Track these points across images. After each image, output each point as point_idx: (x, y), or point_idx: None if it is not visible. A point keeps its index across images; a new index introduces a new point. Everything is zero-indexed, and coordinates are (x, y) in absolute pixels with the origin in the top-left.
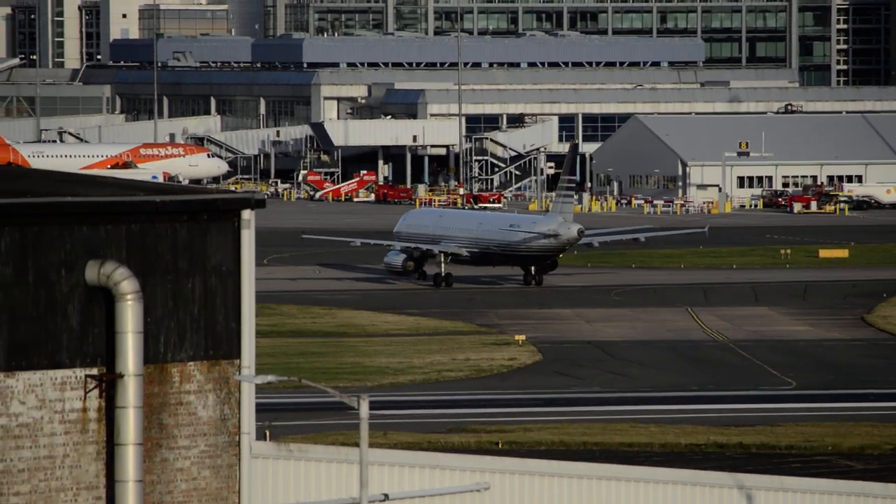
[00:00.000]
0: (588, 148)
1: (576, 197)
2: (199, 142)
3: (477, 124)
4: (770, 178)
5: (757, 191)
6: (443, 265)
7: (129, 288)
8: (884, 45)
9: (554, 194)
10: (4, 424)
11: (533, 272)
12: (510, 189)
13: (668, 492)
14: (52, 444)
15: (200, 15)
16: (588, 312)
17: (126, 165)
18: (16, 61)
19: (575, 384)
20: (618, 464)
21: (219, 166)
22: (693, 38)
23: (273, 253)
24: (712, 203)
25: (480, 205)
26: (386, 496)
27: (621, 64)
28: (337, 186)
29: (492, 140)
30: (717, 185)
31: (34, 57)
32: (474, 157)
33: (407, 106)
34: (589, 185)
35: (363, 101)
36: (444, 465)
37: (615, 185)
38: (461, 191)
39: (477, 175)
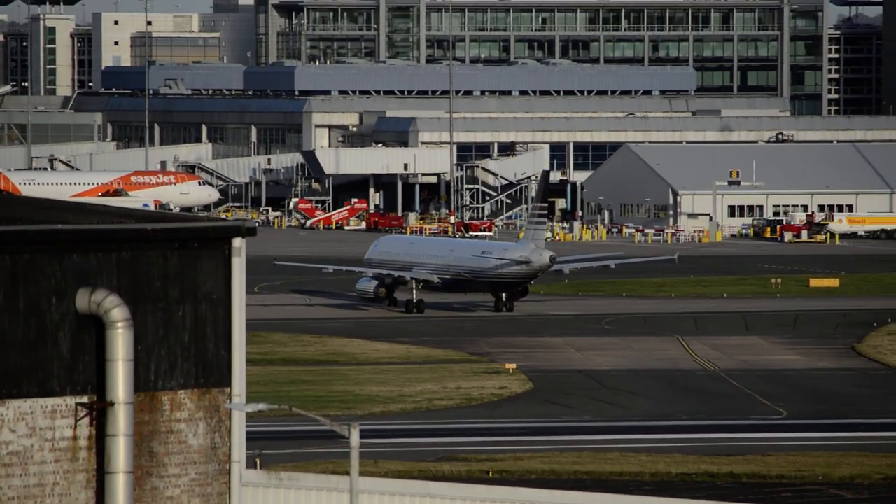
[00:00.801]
0: (579, 176)
1: (548, 224)
2: (191, 169)
3: (468, 152)
4: (761, 207)
5: (748, 220)
6: (414, 292)
7: (120, 316)
8: (875, 75)
9: (525, 221)
10: None
11: (504, 298)
12: (501, 217)
13: None
14: (43, 472)
15: (192, 42)
16: (578, 341)
17: (117, 193)
18: (7, 88)
19: (565, 413)
20: (609, 493)
21: (210, 194)
22: (684, 67)
23: (263, 281)
24: (703, 232)
25: (471, 233)
26: None
27: (613, 92)
28: (328, 214)
29: (483, 168)
30: (708, 214)
31: (26, 84)
32: (465, 186)
33: (398, 134)
34: (580, 213)
35: (354, 128)
36: (434, 493)
37: (606, 213)
38: (452, 219)
39: (468, 203)
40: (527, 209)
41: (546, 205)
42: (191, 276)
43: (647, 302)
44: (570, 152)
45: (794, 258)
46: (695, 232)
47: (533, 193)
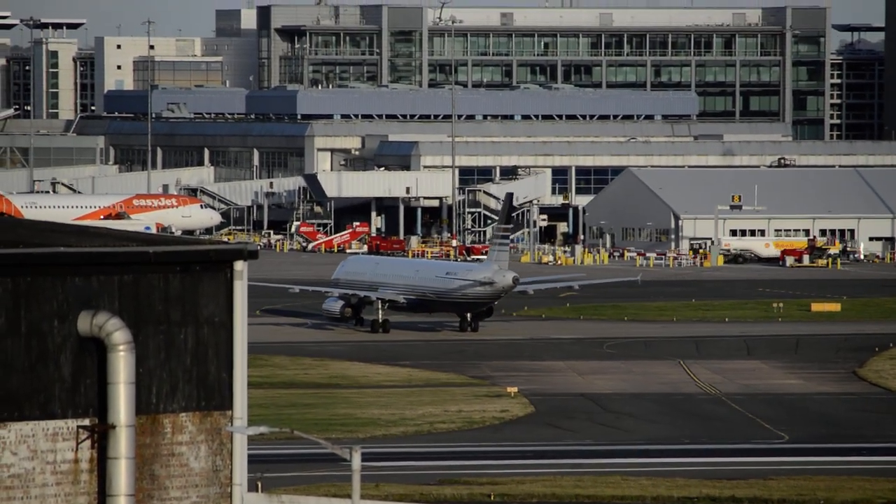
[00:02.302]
0: (581, 200)
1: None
2: (193, 193)
3: (470, 176)
4: (763, 231)
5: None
6: (380, 312)
7: (122, 339)
8: (877, 100)
9: (489, 242)
10: None
11: (468, 319)
12: None
13: None
14: (44, 494)
15: (195, 66)
16: (580, 365)
17: (119, 216)
18: (10, 112)
19: (567, 436)
20: None
21: (212, 217)
22: (687, 92)
23: (266, 304)
24: (705, 256)
25: (473, 256)
26: None
27: (615, 117)
28: (330, 238)
29: (485, 192)
30: (710, 239)
31: (28, 108)
32: (467, 209)
33: (400, 158)
34: (581, 237)
35: (357, 152)
36: None
37: (608, 237)
38: (454, 243)
39: (470, 227)
40: (528, 233)
41: (510, 226)
42: (192, 299)
43: (648, 326)
44: (572, 176)
45: (795, 282)
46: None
47: (535, 217)
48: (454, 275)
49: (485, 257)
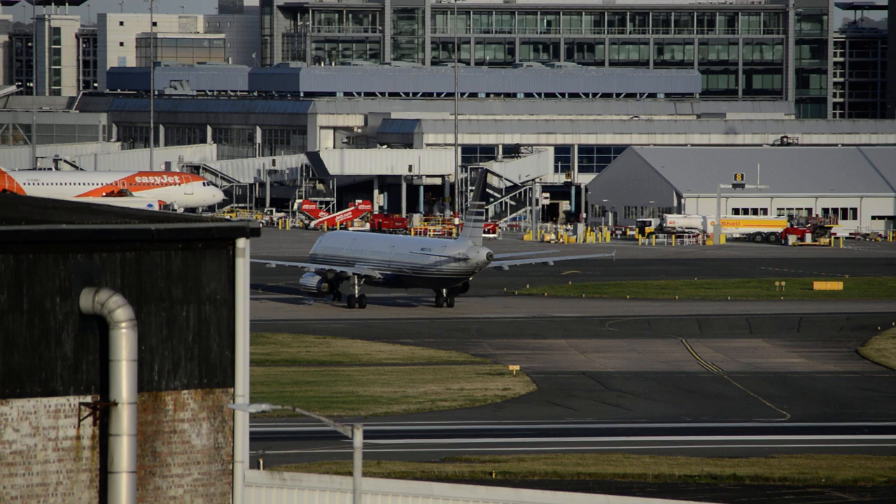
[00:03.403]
0: (583, 179)
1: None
2: (195, 170)
3: (473, 154)
4: (765, 210)
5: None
6: (356, 287)
7: (124, 316)
8: (880, 79)
9: (464, 218)
10: None
11: (444, 294)
12: (505, 219)
13: None
14: (46, 471)
15: (198, 44)
16: (582, 343)
17: (121, 193)
18: (13, 89)
19: (569, 414)
20: (611, 494)
21: (214, 195)
22: (690, 70)
23: (268, 281)
24: (707, 234)
25: None
26: None
27: (618, 95)
28: (332, 215)
29: (487, 170)
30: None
31: (31, 84)
32: (470, 187)
33: (403, 136)
34: (584, 215)
35: (359, 130)
36: (437, 494)
37: (610, 215)
38: (456, 220)
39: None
40: (531, 211)
41: (483, 202)
42: (195, 276)
43: (650, 304)
44: (575, 154)
45: (798, 261)
46: (698, 234)
47: (538, 195)
48: (429, 251)
49: (489, 235)
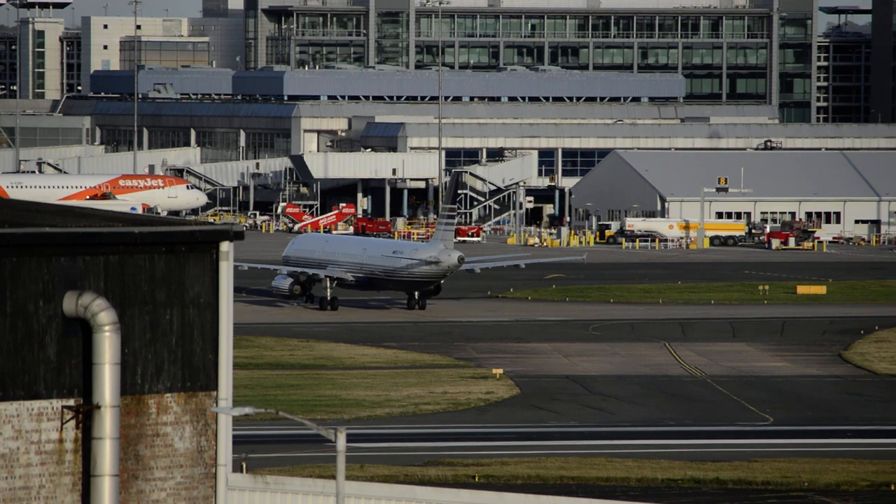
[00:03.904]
0: (567, 182)
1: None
2: (179, 173)
3: (457, 158)
4: (749, 214)
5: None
6: (328, 289)
7: (107, 319)
8: (864, 83)
9: (435, 222)
10: None
11: (416, 297)
12: (489, 223)
13: None
14: (28, 474)
15: (182, 47)
16: (566, 347)
17: (105, 196)
18: None
19: (552, 418)
20: (595, 498)
21: (198, 198)
22: (674, 74)
23: (252, 285)
24: (690, 238)
25: (459, 238)
26: None
27: (601, 99)
28: (316, 219)
29: (471, 174)
30: (697, 221)
31: (14, 87)
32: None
33: (387, 139)
34: (568, 219)
35: (343, 133)
36: (420, 498)
37: (594, 219)
38: None
39: (456, 209)
40: (514, 215)
41: (455, 206)
42: (178, 279)
43: (634, 308)
44: (559, 158)
45: (781, 265)
46: (681, 238)
47: (521, 199)
48: (401, 254)
49: (473, 239)
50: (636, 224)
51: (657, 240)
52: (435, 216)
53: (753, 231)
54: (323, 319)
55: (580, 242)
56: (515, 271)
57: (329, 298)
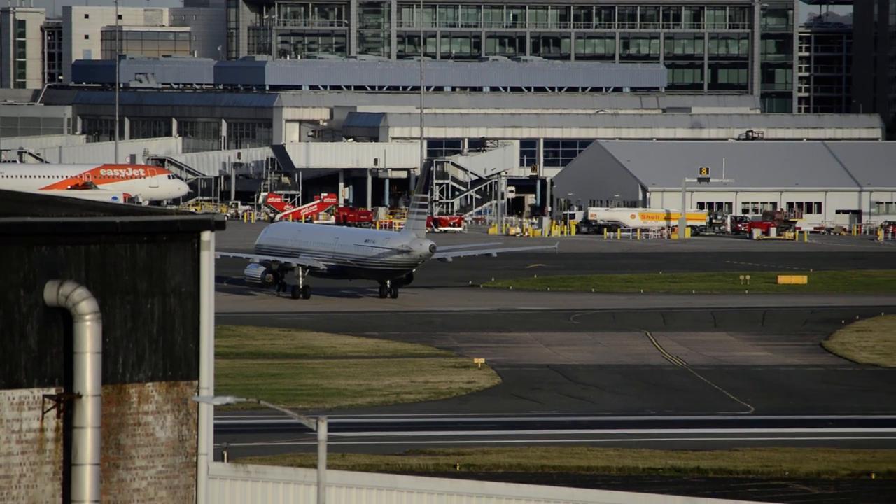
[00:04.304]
0: (549, 172)
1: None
2: (160, 163)
3: (438, 148)
4: (730, 204)
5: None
6: (301, 278)
7: (88, 308)
8: (845, 74)
9: (407, 211)
10: None
11: (388, 285)
12: (471, 213)
13: None
14: (9, 463)
15: (163, 37)
16: (547, 336)
17: (86, 186)
18: None
19: (533, 408)
20: (576, 487)
21: (179, 188)
22: (655, 65)
23: (234, 274)
24: (672, 228)
25: (441, 228)
26: None
27: (583, 89)
28: (297, 209)
29: (453, 164)
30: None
31: None
32: (435, 181)
33: (369, 129)
34: (549, 209)
35: (325, 123)
36: (401, 487)
37: (575, 209)
38: None
39: (438, 199)
40: (496, 204)
41: (427, 195)
42: (159, 269)
43: (615, 298)
44: (541, 148)
45: (762, 255)
46: (663, 228)
47: (503, 189)
48: (373, 243)
49: (454, 229)
50: (599, 214)
51: (618, 229)
52: None
53: (714, 221)
54: (303, 308)
55: (562, 232)
56: (496, 261)
57: (301, 287)
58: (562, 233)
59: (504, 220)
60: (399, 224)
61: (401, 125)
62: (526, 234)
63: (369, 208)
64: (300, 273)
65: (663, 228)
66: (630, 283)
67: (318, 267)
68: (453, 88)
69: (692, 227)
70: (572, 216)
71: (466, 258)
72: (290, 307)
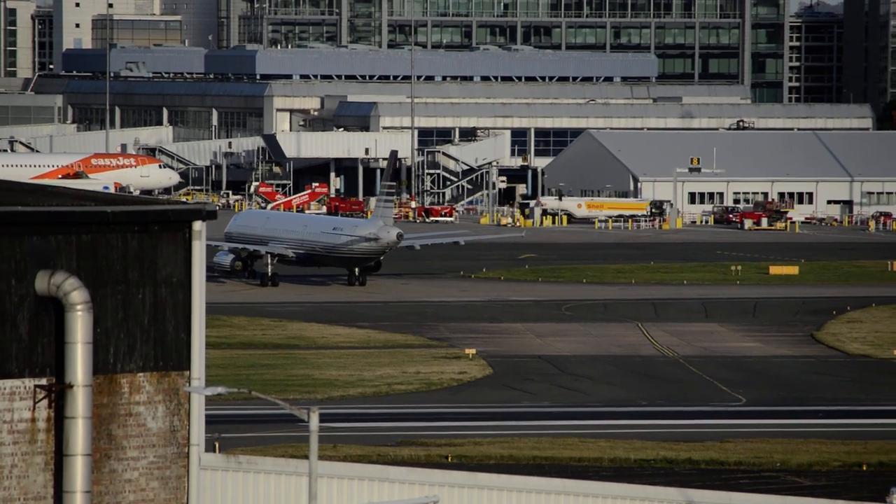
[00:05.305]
0: (540, 162)
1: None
2: (151, 152)
3: (429, 137)
4: (721, 194)
5: (708, 207)
6: (269, 266)
7: (79, 298)
8: (836, 63)
9: (375, 199)
10: None
11: (357, 273)
12: (462, 203)
13: None
14: (1, 453)
15: (154, 26)
16: (538, 327)
17: (77, 175)
18: None
19: (525, 398)
20: (567, 478)
21: (170, 177)
22: (646, 54)
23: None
24: (663, 219)
25: (432, 218)
26: None
27: (574, 79)
28: (289, 199)
29: (444, 153)
30: (668, 201)
31: None
32: (426, 171)
33: (360, 118)
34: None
35: (316, 113)
36: (393, 478)
37: (530, 200)
38: (413, 204)
39: (429, 188)
40: (487, 194)
41: (394, 183)
42: (151, 259)
43: (607, 288)
44: (532, 138)
45: (753, 245)
46: (654, 218)
47: (494, 178)
48: (341, 230)
49: (445, 219)
50: (549, 203)
51: (566, 217)
52: (407, 196)
53: (654, 210)
54: (292, 298)
55: (553, 222)
56: (488, 251)
57: (270, 274)
58: (553, 222)
59: (495, 210)
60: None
61: (391, 115)
62: (517, 223)
63: (361, 198)
64: (269, 261)
65: (610, 218)
66: (621, 273)
67: (286, 254)
68: (444, 78)
69: (633, 216)
70: (527, 204)
71: (435, 246)
72: (279, 297)
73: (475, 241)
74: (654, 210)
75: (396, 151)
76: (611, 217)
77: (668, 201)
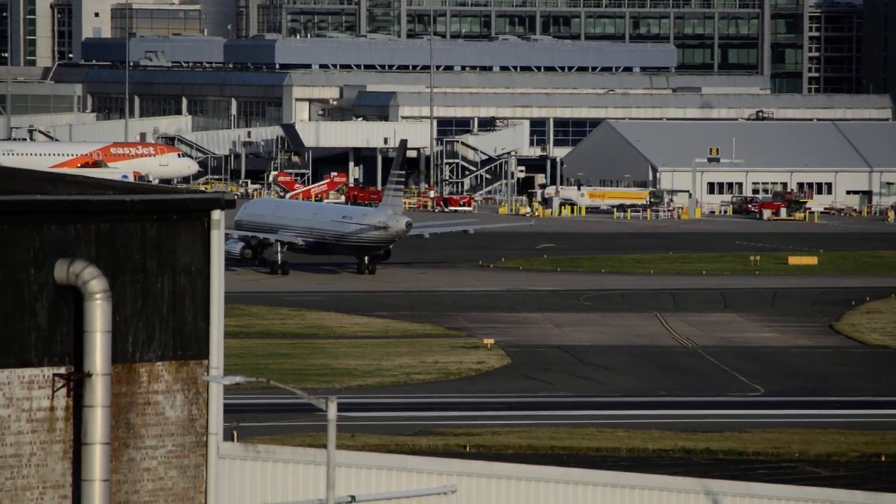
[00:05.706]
0: (559, 152)
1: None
2: (170, 141)
3: (448, 127)
4: (740, 184)
5: (727, 197)
6: (279, 254)
7: (98, 287)
8: (855, 54)
9: (384, 188)
10: None
11: (366, 261)
12: (480, 192)
13: (636, 497)
14: (19, 442)
15: (173, 15)
16: (557, 317)
17: (96, 164)
18: None
19: (543, 388)
20: (585, 468)
21: (189, 166)
22: (665, 44)
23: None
24: (682, 209)
25: (451, 208)
26: (353, 498)
27: (593, 69)
28: (307, 188)
29: (463, 143)
30: (688, 191)
31: (5, 55)
32: (445, 160)
33: (378, 108)
34: (560, 188)
35: (335, 102)
36: (411, 467)
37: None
38: (431, 193)
39: (447, 178)
40: (506, 184)
41: (403, 172)
42: (169, 247)
43: (625, 278)
44: (551, 128)
45: (772, 235)
46: (672, 209)
47: (513, 168)
48: (350, 219)
49: (464, 208)
50: (555, 193)
51: (573, 207)
52: (426, 185)
53: (653, 200)
54: (312, 288)
55: (571, 212)
56: (506, 240)
57: (279, 262)
58: (571, 212)
59: (514, 199)
60: (409, 203)
61: (410, 104)
62: (536, 213)
63: (379, 187)
64: (278, 249)
65: (613, 207)
66: (640, 263)
67: (296, 243)
68: (463, 68)
69: (633, 205)
70: (534, 194)
71: (449, 235)
72: (295, 286)
73: (486, 230)
74: (653, 199)
75: (406, 141)
76: (613, 206)
77: (668, 190)
